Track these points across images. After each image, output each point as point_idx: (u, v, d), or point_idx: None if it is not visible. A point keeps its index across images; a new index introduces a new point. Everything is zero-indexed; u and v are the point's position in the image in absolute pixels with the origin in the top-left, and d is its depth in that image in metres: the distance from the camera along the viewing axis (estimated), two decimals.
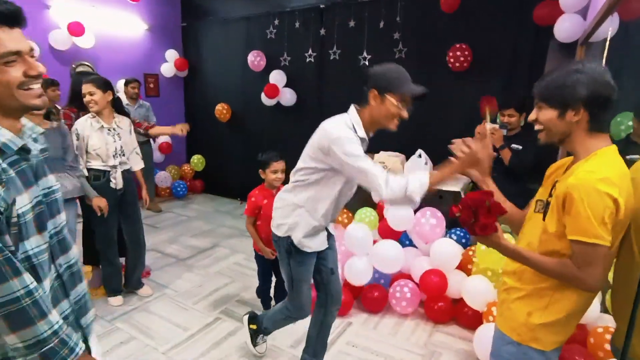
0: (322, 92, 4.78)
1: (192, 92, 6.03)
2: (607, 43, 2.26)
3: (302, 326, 2.59)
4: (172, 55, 5.66)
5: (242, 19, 5.23)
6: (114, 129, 2.62)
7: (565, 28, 3.01)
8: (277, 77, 4.85)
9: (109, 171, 2.61)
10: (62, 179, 2.36)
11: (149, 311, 2.75)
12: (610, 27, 2.22)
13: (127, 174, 2.74)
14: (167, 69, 5.65)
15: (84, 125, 2.55)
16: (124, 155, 2.68)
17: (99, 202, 2.54)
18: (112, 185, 2.63)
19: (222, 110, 5.36)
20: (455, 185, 3.33)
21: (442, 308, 2.62)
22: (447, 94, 4.01)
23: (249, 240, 4.15)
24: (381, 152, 3.75)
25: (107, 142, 2.58)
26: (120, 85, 4.79)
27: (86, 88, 2.52)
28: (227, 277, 3.31)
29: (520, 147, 2.69)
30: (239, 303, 2.91)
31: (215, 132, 5.77)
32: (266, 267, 2.61)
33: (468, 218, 1.14)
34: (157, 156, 5.43)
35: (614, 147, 1.12)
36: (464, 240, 3.10)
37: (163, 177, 5.55)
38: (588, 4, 2.92)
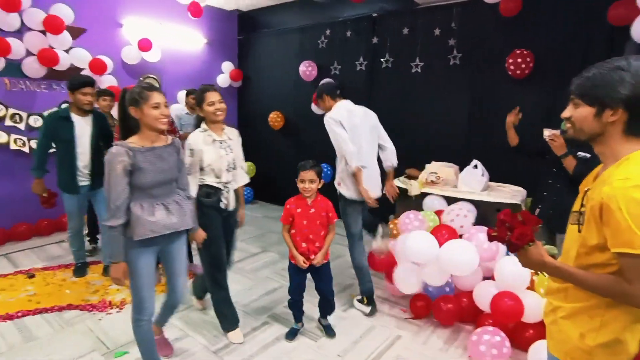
0: (372, 100, 4.75)
1: (245, 102, 6.26)
2: None
3: (351, 334, 2.57)
4: (227, 66, 5.94)
5: (295, 30, 5.38)
6: (225, 141, 2.39)
7: None
8: None
9: (221, 190, 2.36)
10: (170, 203, 1.94)
11: (203, 311, 2.86)
12: None
13: (235, 193, 2.49)
14: (223, 80, 5.92)
15: (197, 139, 2.30)
16: (235, 169, 2.44)
17: (197, 237, 2.27)
18: (222, 205, 2.38)
19: (276, 118, 5.53)
20: (514, 198, 3.15)
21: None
22: (505, 102, 3.82)
23: None
24: (433, 163, 3.65)
25: (220, 155, 2.34)
26: (181, 96, 5.09)
27: (217, 96, 2.32)
28: (275, 282, 3.36)
29: (589, 155, 2.43)
30: (287, 308, 2.93)
31: (267, 140, 5.94)
32: (300, 281, 2.48)
33: (503, 234, 1.12)
34: None
35: None
36: None
37: None
38: None
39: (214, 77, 5.91)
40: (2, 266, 3.56)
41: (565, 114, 1.14)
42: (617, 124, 1.03)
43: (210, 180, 2.33)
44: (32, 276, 3.32)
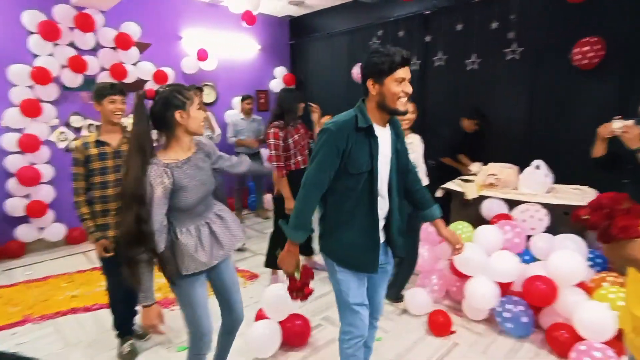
0: (425, 99, 4.63)
1: None
2: None
3: (406, 339, 2.51)
4: (280, 71, 6.09)
5: (346, 32, 5.39)
6: (410, 144, 2.60)
7: None
8: None
9: None
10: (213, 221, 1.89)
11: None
12: None
13: None
14: (276, 85, 6.08)
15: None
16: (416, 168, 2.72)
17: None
18: None
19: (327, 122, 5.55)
20: (586, 200, 2.90)
21: (567, 338, 2.26)
22: (571, 95, 3.57)
23: None
24: (491, 164, 3.46)
25: None
26: (236, 101, 5.30)
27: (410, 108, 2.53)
28: (328, 286, 3.38)
29: None
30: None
31: None
32: None
33: (600, 220, 0.94)
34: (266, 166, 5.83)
35: None
36: (598, 268, 2.69)
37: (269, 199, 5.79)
38: None
39: (267, 83, 6.09)
40: (81, 263, 3.93)
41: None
42: None
43: None
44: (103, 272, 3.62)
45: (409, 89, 1.54)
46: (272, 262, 3.38)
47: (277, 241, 3.36)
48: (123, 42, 4.33)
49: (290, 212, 3.16)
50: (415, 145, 2.72)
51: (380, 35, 4.93)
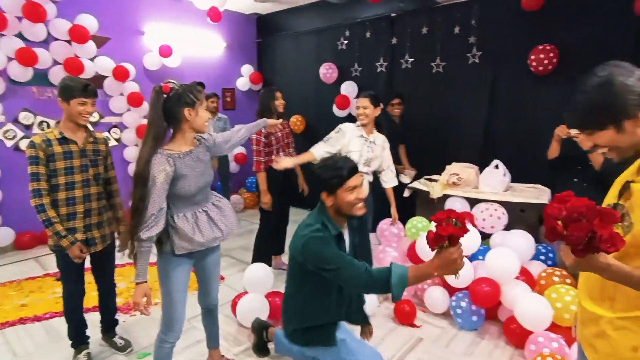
0: (392, 101, 4.70)
1: None
2: None
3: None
4: (247, 70, 5.99)
5: (314, 31, 5.38)
6: (369, 141, 2.81)
7: None
8: (348, 89, 4.89)
9: None
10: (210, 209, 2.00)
11: (224, 314, 2.86)
12: None
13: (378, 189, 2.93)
14: (243, 83, 5.98)
15: (349, 127, 2.80)
16: (370, 165, 2.83)
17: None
18: None
19: (296, 122, 5.53)
20: (540, 198, 3.04)
21: (522, 330, 2.35)
22: (528, 99, 3.74)
23: None
24: (453, 164, 3.57)
25: (362, 150, 2.76)
26: None
27: (362, 102, 2.77)
28: None
29: None
30: None
31: None
32: None
33: (583, 234, 0.80)
34: (233, 166, 5.73)
35: None
36: (549, 262, 2.82)
37: (236, 200, 5.70)
38: None
39: (234, 81, 5.98)
40: (31, 269, 3.69)
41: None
42: None
43: None
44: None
45: (363, 194, 1.58)
46: (257, 258, 3.32)
47: (262, 237, 3.31)
48: (78, 35, 4.10)
49: (264, 206, 3.19)
50: (377, 146, 2.84)
51: (348, 36, 4.96)
